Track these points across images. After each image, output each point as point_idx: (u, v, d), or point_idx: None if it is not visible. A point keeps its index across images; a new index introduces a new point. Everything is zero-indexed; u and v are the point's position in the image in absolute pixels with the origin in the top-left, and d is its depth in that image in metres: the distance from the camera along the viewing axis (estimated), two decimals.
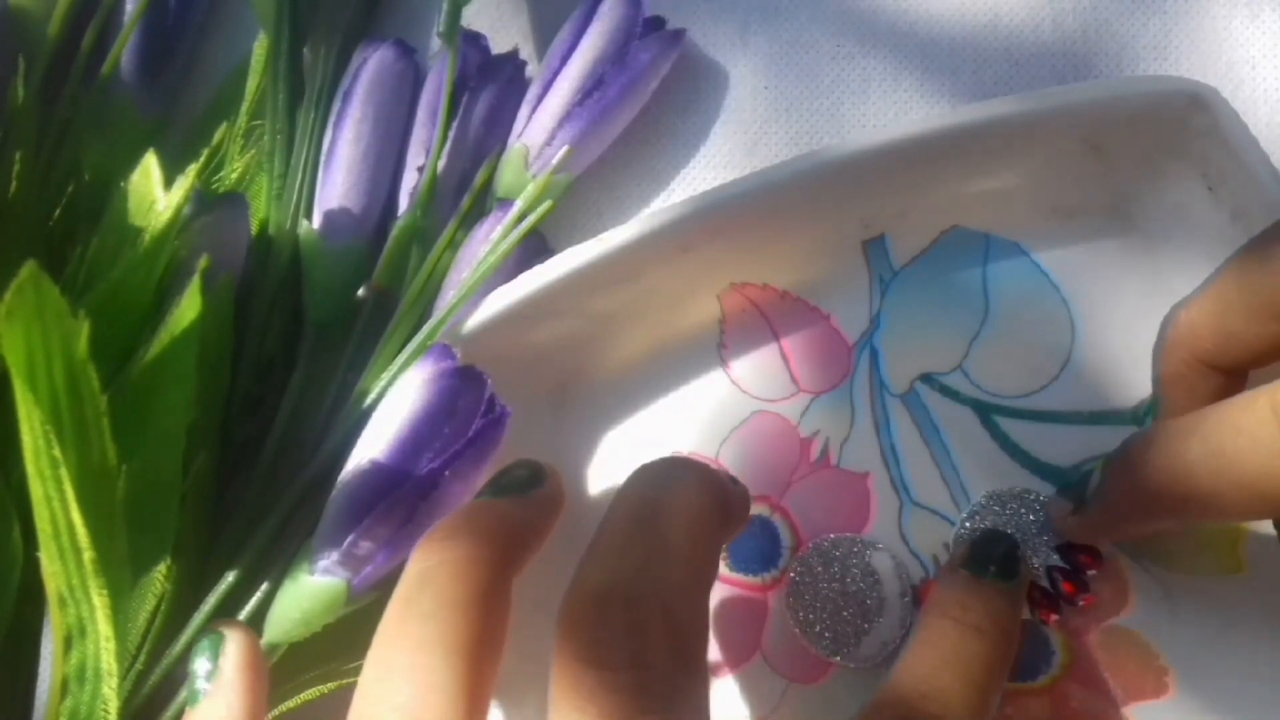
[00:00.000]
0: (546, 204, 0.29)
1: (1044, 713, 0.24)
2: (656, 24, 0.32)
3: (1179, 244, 0.28)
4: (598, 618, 0.21)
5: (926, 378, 0.29)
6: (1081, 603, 0.27)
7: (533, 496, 0.26)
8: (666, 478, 0.24)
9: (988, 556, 0.25)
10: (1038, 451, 0.28)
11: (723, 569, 0.30)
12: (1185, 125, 0.27)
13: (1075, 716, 0.26)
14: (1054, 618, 0.27)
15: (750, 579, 0.29)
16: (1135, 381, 0.28)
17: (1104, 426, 0.28)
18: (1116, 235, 0.29)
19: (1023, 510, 0.28)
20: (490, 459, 0.27)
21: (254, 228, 0.32)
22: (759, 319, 0.31)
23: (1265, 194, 0.26)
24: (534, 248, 0.31)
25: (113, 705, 0.25)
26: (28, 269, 0.22)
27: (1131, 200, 0.29)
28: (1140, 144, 0.28)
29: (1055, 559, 0.27)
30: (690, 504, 0.23)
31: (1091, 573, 0.27)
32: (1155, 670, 0.27)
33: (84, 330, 0.24)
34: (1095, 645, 0.27)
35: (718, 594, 0.29)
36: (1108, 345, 0.29)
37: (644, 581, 0.21)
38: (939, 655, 0.23)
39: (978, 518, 0.28)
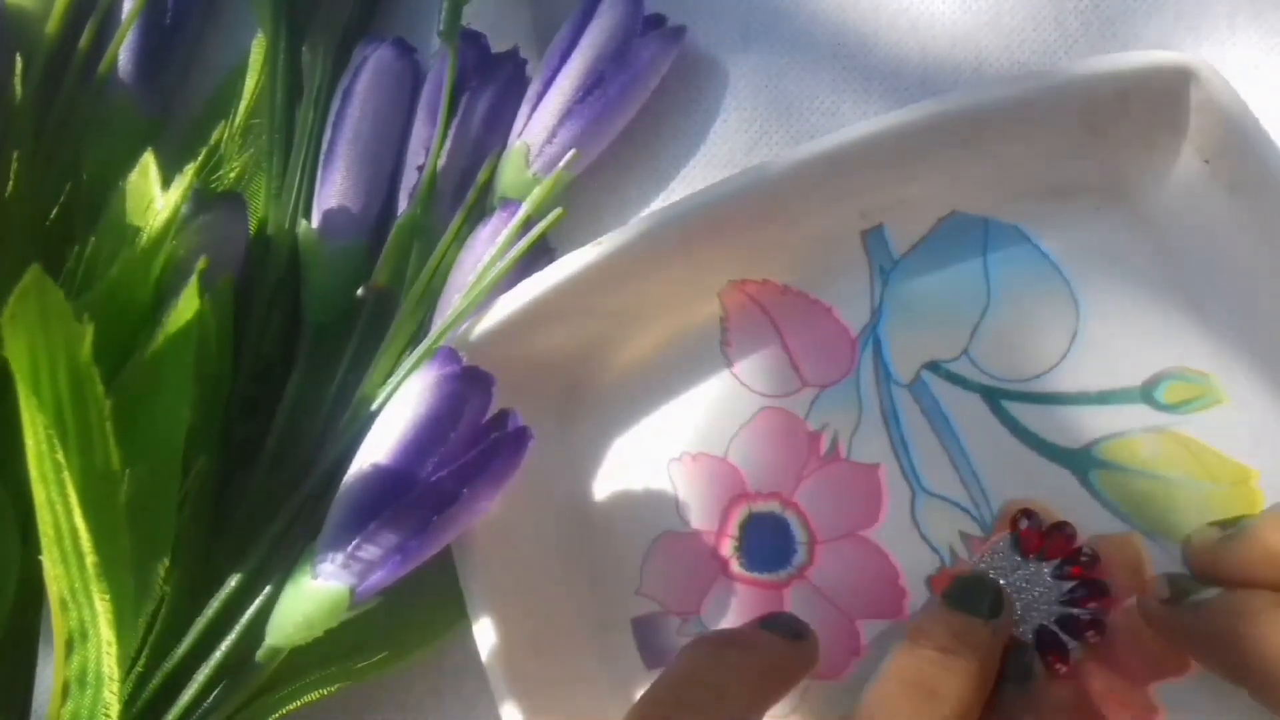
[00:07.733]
0: (557, 211, 0.28)
1: (1067, 694, 0.24)
2: (656, 22, 0.32)
3: (1178, 219, 0.28)
4: None
5: (932, 365, 0.29)
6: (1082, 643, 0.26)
7: (805, 643, 0.26)
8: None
9: (966, 593, 0.25)
10: (1047, 434, 0.28)
11: (737, 569, 0.29)
12: (1180, 100, 0.27)
13: (1098, 696, 0.26)
14: (1060, 667, 0.26)
15: (765, 577, 0.29)
16: (1141, 357, 0.28)
17: (1113, 405, 0.28)
18: (1116, 214, 0.29)
19: (1029, 571, 0.27)
20: (510, 478, 0.26)
21: (252, 227, 0.32)
22: (761, 315, 0.31)
23: (1262, 166, 0.26)
24: (536, 250, 0.31)
25: (114, 709, 0.24)
26: (31, 273, 0.22)
27: (1129, 178, 0.29)
28: (1135, 121, 0.28)
29: (1051, 624, 0.26)
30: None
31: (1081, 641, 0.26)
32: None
33: (88, 334, 0.24)
34: (1116, 625, 0.26)
35: (735, 594, 0.29)
36: (1112, 323, 0.29)
37: None
38: (902, 683, 0.23)
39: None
